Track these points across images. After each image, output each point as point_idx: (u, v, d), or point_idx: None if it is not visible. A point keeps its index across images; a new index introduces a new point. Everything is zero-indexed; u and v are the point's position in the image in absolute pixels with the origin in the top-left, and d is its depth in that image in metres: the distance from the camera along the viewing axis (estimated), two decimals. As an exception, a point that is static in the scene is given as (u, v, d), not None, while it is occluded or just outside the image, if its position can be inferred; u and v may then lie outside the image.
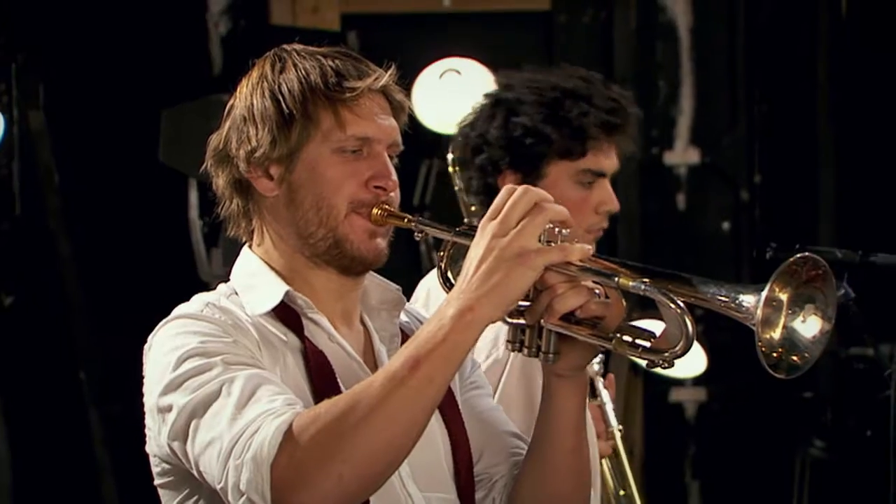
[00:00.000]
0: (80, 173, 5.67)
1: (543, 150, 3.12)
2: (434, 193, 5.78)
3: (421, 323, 2.48)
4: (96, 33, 5.72)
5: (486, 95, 3.22)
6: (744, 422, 6.41)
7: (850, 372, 5.86)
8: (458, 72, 5.41)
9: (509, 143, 3.14)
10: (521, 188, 2.15)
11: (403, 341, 2.37)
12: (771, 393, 5.91)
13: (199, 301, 2.32)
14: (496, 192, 3.19)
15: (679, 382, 6.43)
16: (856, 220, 6.28)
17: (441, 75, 5.38)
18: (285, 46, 2.41)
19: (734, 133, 6.63)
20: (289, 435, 2.04)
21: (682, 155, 6.61)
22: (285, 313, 2.31)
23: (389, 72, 2.36)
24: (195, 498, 2.26)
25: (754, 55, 6.59)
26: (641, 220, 6.52)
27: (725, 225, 6.66)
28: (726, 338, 5.54)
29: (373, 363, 2.36)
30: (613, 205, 3.17)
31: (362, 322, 2.42)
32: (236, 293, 2.35)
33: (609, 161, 3.17)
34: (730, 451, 6.43)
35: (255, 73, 2.39)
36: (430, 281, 3.20)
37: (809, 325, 2.09)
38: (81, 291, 5.57)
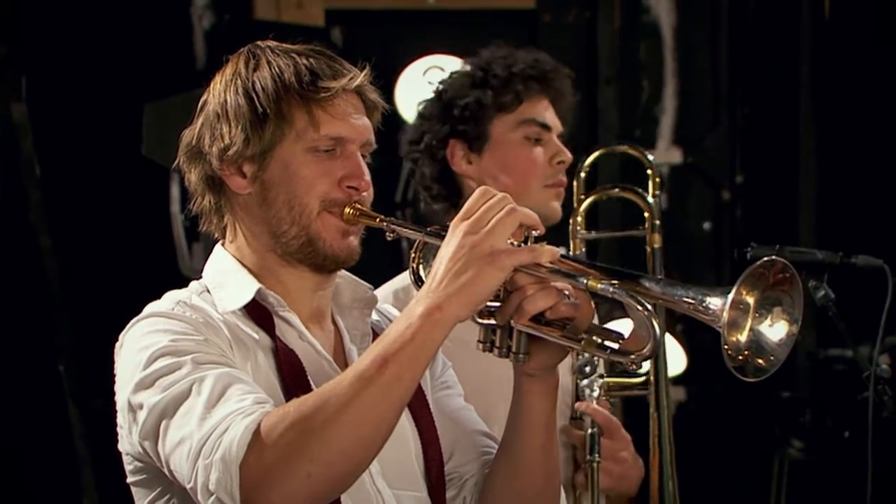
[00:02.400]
0: (61, 166, 5.65)
1: (480, 109, 3.17)
2: (416, 190, 5.77)
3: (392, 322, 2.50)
4: (80, 26, 5.70)
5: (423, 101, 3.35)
6: (722, 422, 6.43)
7: (829, 373, 5.87)
8: (442, 69, 5.40)
9: (446, 112, 3.20)
10: (499, 195, 2.16)
11: (374, 340, 2.37)
12: (749, 393, 5.92)
13: (170, 299, 2.32)
14: (449, 170, 3.23)
15: (659, 382, 6.44)
16: (836, 221, 6.30)
17: (425, 72, 5.38)
18: (259, 43, 2.40)
19: (716, 133, 6.65)
20: (257, 434, 2.04)
21: (665, 154, 6.62)
22: (256, 311, 2.32)
23: (364, 72, 2.37)
24: (167, 496, 2.26)
25: (737, 56, 6.61)
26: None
27: (707, 225, 6.67)
28: (706, 338, 5.55)
29: (343, 362, 2.36)
30: (566, 155, 3.21)
31: (333, 321, 2.42)
32: (208, 291, 2.35)
33: (549, 113, 3.21)
34: (708, 452, 6.44)
35: (228, 70, 2.38)
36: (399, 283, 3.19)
37: (776, 329, 2.10)
38: (62, 285, 5.55)
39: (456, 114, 3.22)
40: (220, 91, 2.36)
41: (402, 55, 5.36)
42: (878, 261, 3.42)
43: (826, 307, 3.36)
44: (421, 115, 3.30)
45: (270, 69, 2.33)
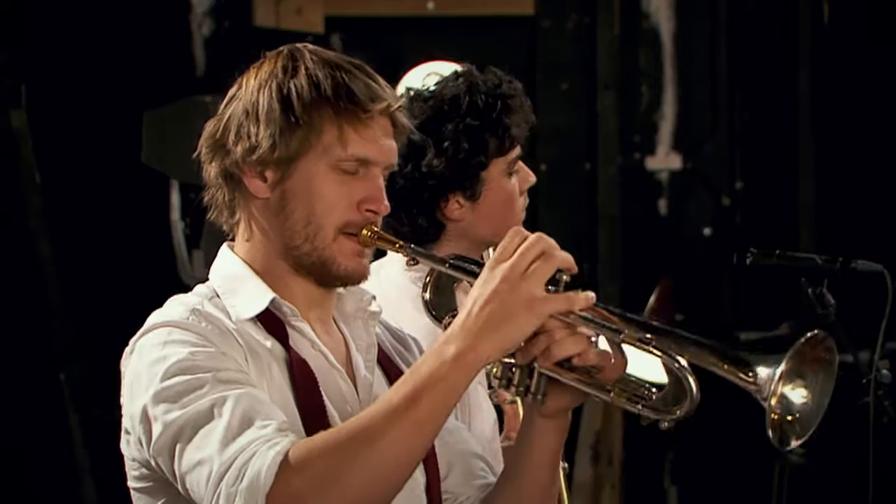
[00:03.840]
0: (61, 174, 5.66)
1: (484, 157, 3.01)
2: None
3: (392, 335, 2.49)
4: (79, 33, 5.71)
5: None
6: (723, 427, 6.42)
7: (830, 378, 5.86)
8: (442, 76, 5.41)
9: (455, 165, 3.00)
10: (534, 235, 2.12)
11: (379, 353, 2.38)
12: (749, 399, 5.91)
13: (183, 306, 2.27)
14: (437, 216, 3.01)
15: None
16: (836, 227, 6.30)
17: (424, 79, 5.37)
18: (299, 46, 2.34)
19: (716, 139, 6.65)
20: (285, 465, 2.02)
21: (664, 160, 6.63)
22: (269, 320, 2.29)
23: (401, 99, 2.34)
24: None
25: (736, 61, 6.62)
26: (623, 224, 6.53)
27: (706, 230, 6.68)
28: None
29: (350, 372, 2.35)
30: (533, 178, 3.11)
31: (339, 329, 2.41)
32: (218, 296, 2.32)
33: None
34: (709, 457, 6.43)
35: (265, 68, 2.33)
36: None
37: (797, 393, 2.10)
38: (62, 293, 5.55)
39: (463, 170, 3.00)
40: (254, 89, 2.31)
41: (401, 62, 5.36)
42: (878, 266, 3.43)
43: (826, 313, 3.36)
44: (422, 173, 3.01)
45: (309, 77, 2.29)
